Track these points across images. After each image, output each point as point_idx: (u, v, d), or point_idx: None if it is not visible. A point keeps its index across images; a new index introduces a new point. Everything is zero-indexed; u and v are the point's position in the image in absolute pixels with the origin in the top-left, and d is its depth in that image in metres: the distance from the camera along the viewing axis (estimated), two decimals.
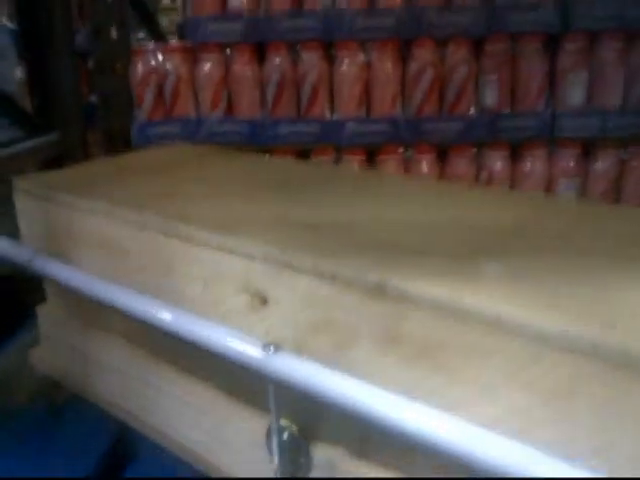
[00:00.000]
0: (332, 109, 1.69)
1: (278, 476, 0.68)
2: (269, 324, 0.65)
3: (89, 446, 0.96)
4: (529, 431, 0.47)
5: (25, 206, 0.97)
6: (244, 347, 0.63)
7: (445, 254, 0.60)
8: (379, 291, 0.53)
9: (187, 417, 0.84)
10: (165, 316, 0.73)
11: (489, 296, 0.49)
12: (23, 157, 1.47)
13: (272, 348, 0.62)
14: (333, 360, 0.58)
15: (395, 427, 0.51)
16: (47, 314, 1.05)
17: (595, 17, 1.64)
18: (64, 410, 1.01)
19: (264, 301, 0.65)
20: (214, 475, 0.81)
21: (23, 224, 0.99)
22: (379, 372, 0.55)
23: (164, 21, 5.59)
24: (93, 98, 2.00)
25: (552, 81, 1.71)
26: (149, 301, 0.75)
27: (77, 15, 2.19)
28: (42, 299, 1.05)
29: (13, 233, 1.01)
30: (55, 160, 1.57)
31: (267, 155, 1.71)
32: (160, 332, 0.74)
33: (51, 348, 1.06)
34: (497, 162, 1.71)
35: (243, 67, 1.65)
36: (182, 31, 2.04)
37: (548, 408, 0.46)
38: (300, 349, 0.61)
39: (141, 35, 3.18)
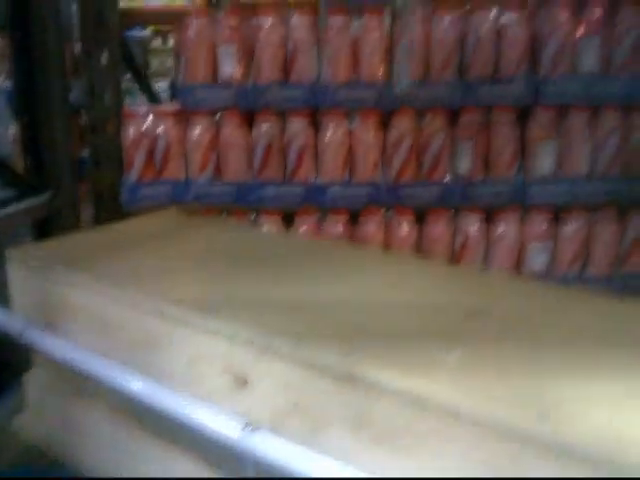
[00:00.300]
0: (317, 173, 1.76)
1: None
2: (249, 404, 0.71)
3: None
4: None
5: (19, 276, 1.02)
6: (225, 426, 0.69)
7: (411, 341, 0.66)
8: (350, 380, 0.59)
9: None
10: (151, 394, 0.79)
11: (443, 388, 0.55)
12: (16, 217, 1.52)
13: (251, 428, 0.67)
14: (307, 440, 0.64)
15: None
16: (34, 381, 1.09)
17: (563, 93, 1.75)
18: (46, 476, 1.03)
19: (244, 382, 0.71)
20: None
21: (16, 293, 1.03)
22: (348, 452, 0.61)
23: (154, 63, 5.67)
24: (85, 153, 2.06)
25: (523, 150, 1.80)
26: (137, 378, 0.81)
27: (71, 69, 2.25)
28: (29, 366, 1.08)
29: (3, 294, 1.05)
30: (48, 219, 1.62)
31: (253, 214, 1.79)
32: (145, 407, 0.79)
33: (35, 416, 1.09)
34: (472, 226, 1.79)
35: (232, 132, 1.73)
36: (174, 90, 2.12)
37: None
38: (277, 429, 0.67)
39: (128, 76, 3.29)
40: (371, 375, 0.58)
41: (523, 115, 1.79)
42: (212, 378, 0.75)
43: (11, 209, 1.49)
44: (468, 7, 1.74)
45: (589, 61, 1.75)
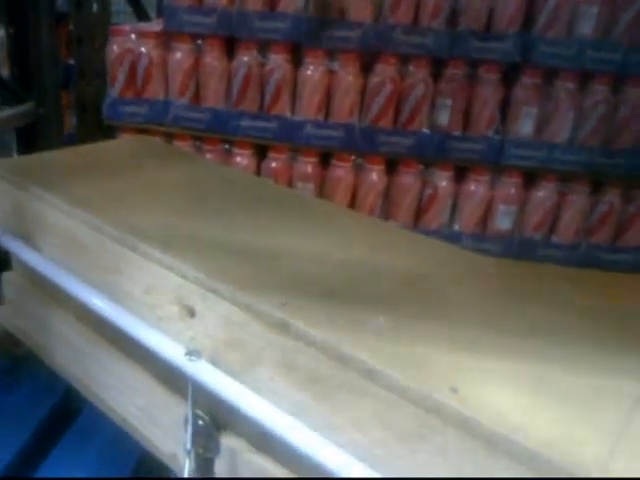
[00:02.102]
0: (293, 110, 1.78)
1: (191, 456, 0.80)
2: (194, 333, 0.77)
3: (40, 399, 1.10)
4: (385, 459, 0.60)
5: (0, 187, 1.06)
6: (172, 351, 0.76)
7: (346, 298, 0.71)
8: (282, 327, 0.65)
9: (124, 393, 0.95)
10: (110, 312, 0.85)
11: (364, 347, 0.61)
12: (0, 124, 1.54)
13: (193, 355, 0.74)
14: (240, 373, 0.71)
15: (278, 436, 0.64)
16: (11, 280, 1.15)
17: (554, 55, 1.74)
18: (22, 363, 1.14)
19: (192, 314, 0.76)
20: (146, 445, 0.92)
21: None
22: (274, 390, 0.68)
23: None
24: (72, 61, 2.04)
25: (505, 110, 1.81)
26: (98, 296, 0.87)
27: None
28: (8, 266, 1.16)
29: None
30: (32, 126, 1.63)
31: (227, 144, 1.81)
32: (105, 321, 0.86)
33: (13, 310, 1.16)
34: (443, 181, 1.83)
35: (212, 59, 1.73)
36: (160, 8, 2.08)
37: (400, 445, 0.59)
38: (215, 359, 0.73)
39: None
40: (300, 326, 0.63)
41: (509, 75, 1.80)
42: (164, 306, 0.81)
43: None
44: None
45: (586, 26, 1.73)
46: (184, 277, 0.75)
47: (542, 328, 0.71)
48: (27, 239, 1.03)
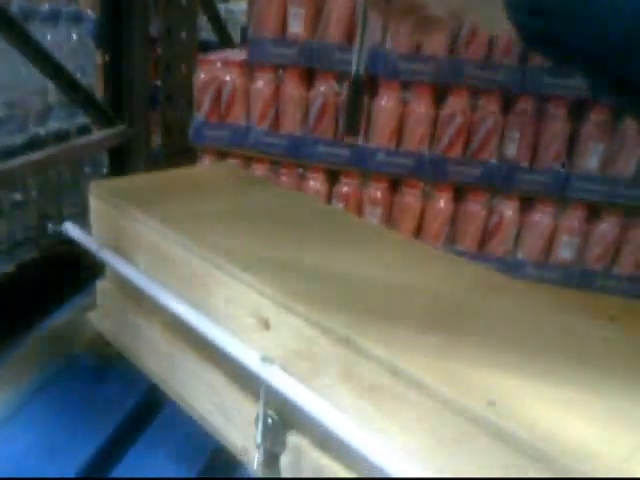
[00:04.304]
0: (366, 137, 1.88)
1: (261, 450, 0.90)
2: (268, 343, 0.87)
3: (126, 394, 1.24)
4: (430, 459, 0.68)
5: (96, 206, 1.22)
6: (248, 357, 0.87)
7: (405, 321, 0.80)
8: (345, 342, 0.74)
9: (202, 391, 1.07)
10: (193, 319, 0.97)
11: (418, 364, 0.70)
12: (95, 145, 1.71)
13: (267, 361, 0.85)
14: (307, 379, 0.81)
15: (338, 436, 0.74)
16: (103, 288, 1.31)
17: None
18: (111, 362, 1.28)
19: (267, 326, 0.87)
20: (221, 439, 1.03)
21: (93, 219, 1.24)
22: (336, 396, 0.77)
23: None
24: (158, 82, 2.21)
25: (572, 145, 1.85)
26: (183, 305, 0.99)
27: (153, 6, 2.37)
28: (102, 274, 1.32)
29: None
30: (122, 146, 1.80)
31: (302, 169, 1.93)
32: (188, 328, 0.98)
33: (104, 314, 1.32)
34: (508, 210, 1.88)
35: (292, 89, 1.86)
36: (244, 37, 2.24)
37: (443, 448, 0.67)
38: (286, 366, 0.84)
39: None
40: (362, 343, 0.73)
41: (578, 111, 1.84)
42: (242, 317, 0.92)
43: (91, 137, 1.68)
44: None
45: None
46: (261, 294, 0.86)
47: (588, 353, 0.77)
48: (122, 253, 1.17)
